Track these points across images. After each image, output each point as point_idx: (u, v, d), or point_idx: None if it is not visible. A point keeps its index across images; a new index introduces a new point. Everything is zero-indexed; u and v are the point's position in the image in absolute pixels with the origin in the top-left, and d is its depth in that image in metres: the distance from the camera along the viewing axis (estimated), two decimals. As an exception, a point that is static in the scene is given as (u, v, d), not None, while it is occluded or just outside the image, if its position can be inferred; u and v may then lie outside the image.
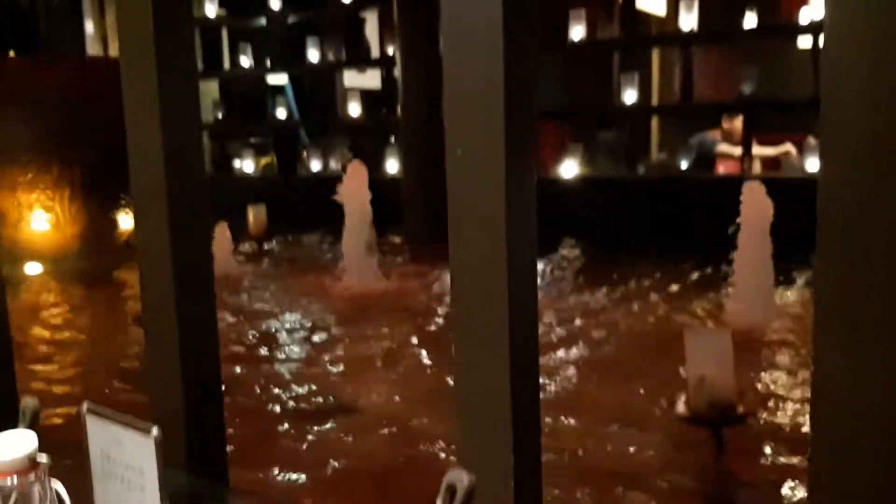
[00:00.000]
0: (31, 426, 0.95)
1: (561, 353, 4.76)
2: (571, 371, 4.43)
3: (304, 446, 3.52)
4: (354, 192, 6.47)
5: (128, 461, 0.93)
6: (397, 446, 3.43)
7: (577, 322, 5.39)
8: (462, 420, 0.83)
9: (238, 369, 4.55)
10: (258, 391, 4.23)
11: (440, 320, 5.42)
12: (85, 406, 0.98)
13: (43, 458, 0.53)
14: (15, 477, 0.53)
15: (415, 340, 5.03)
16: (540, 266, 7.00)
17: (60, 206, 6.79)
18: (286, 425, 3.76)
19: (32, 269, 6.83)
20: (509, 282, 0.81)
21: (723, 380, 2.96)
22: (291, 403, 4.05)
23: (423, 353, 4.76)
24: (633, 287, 6.32)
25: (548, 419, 3.61)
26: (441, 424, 3.46)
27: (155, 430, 0.89)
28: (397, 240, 8.42)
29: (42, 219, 6.81)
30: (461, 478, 0.64)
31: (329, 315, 5.82)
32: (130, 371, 4.40)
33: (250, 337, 5.27)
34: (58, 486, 0.54)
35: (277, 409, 3.98)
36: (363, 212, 6.47)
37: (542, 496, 0.85)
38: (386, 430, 3.62)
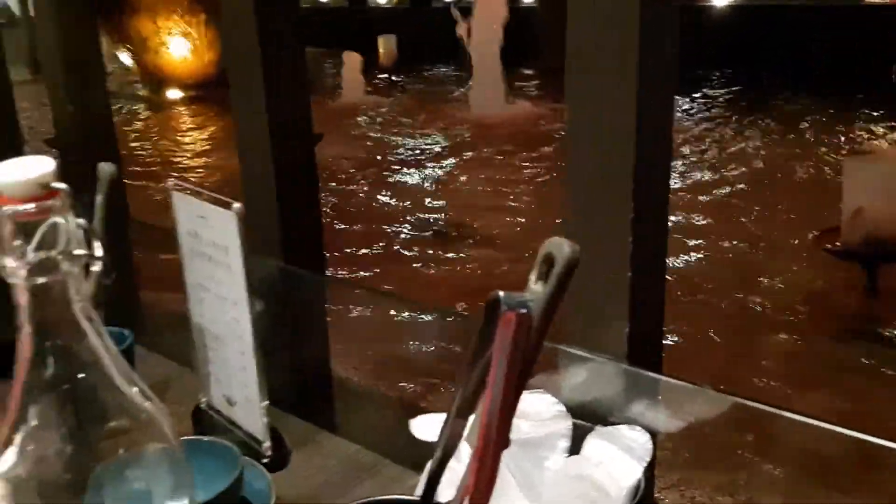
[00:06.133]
0: (109, 192, 0.91)
1: (704, 179, 4.52)
2: (714, 197, 4.20)
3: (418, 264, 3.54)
4: (489, 9, 6.20)
5: (214, 239, 0.89)
6: (510, 265, 3.38)
7: (726, 152, 5.10)
8: (573, 188, 0.70)
9: (366, 188, 4.62)
10: (384, 208, 4.29)
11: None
12: (171, 182, 0.93)
13: (61, 185, 0.44)
14: (32, 204, 0.44)
15: (539, 170, 4.90)
16: (684, 101, 6.61)
17: (197, 32, 6.87)
18: (406, 242, 3.81)
19: (173, 94, 7.05)
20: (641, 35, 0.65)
21: (884, 212, 2.66)
22: (408, 227, 4.08)
23: (546, 183, 4.64)
24: (788, 118, 5.86)
25: (683, 255, 3.45)
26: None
27: (237, 205, 0.83)
28: (529, 71, 8.10)
29: (180, 45, 6.94)
30: (561, 246, 0.50)
31: (456, 142, 5.75)
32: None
33: (378, 161, 5.29)
34: (82, 223, 0.46)
35: (398, 228, 4.02)
36: (495, 31, 6.19)
37: (664, 282, 0.73)
38: (501, 254, 3.59)
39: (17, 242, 0.45)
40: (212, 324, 0.94)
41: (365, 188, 4.68)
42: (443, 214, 4.25)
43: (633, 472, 0.64)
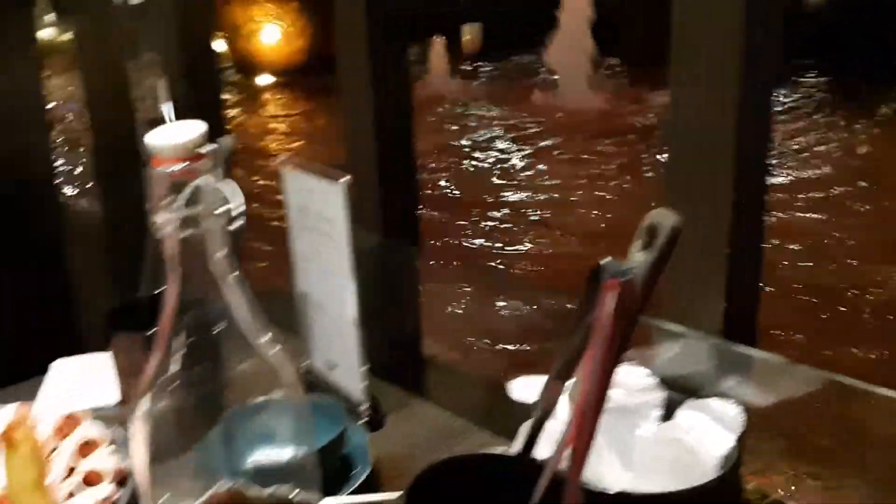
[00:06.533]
0: (227, 165, 0.96)
1: (798, 181, 4.40)
2: (807, 200, 4.08)
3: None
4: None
5: (320, 212, 0.93)
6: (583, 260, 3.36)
7: (822, 149, 4.94)
8: (674, 164, 0.72)
9: (445, 178, 4.66)
10: (456, 197, 4.32)
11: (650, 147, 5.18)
12: (282, 158, 0.98)
13: (209, 147, 0.49)
14: (185, 163, 0.49)
15: (623, 164, 4.85)
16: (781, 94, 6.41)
17: (289, 20, 7.03)
18: (482, 234, 3.83)
19: (263, 80, 7.22)
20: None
21: None
22: (489, 219, 4.09)
23: (630, 177, 4.58)
24: (881, 110, 5.63)
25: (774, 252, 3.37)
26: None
27: (345, 177, 0.87)
28: (614, 61, 7.98)
29: (272, 32, 7.11)
30: (665, 216, 0.53)
31: (538, 131, 5.72)
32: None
33: (460, 150, 5.32)
34: (226, 182, 0.50)
35: (477, 219, 4.04)
36: (580, 20, 6.14)
37: (762, 260, 0.73)
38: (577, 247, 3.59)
39: (168, 200, 0.50)
40: (316, 292, 0.99)
41: (440, 176, 4.72)
42: (523, 203, 4.26)
43: (725, 441, 0.65)
